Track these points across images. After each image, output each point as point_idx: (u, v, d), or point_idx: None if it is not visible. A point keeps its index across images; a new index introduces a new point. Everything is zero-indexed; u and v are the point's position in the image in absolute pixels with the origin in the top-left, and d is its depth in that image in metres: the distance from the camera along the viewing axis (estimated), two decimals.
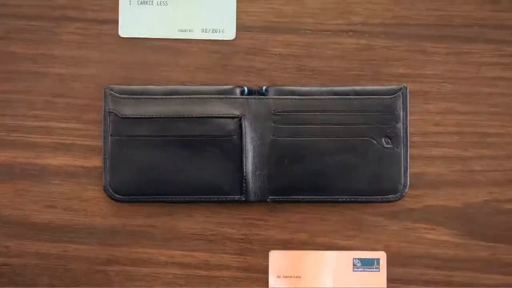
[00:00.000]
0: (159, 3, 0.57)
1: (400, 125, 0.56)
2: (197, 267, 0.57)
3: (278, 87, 0.56)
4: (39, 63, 0.58)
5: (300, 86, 0.57)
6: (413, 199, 0.57)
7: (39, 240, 0.58)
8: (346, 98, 0.56)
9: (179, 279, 0.57)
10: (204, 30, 0.57)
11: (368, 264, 0.56)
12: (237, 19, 0.58)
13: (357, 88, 0.56)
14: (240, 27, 0.58)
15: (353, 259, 0.56)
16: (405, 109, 0.56)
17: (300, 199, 0.56)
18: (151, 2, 0.57)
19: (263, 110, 0.56)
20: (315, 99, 0.56)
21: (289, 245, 0.57)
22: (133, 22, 0.57)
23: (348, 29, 0.58)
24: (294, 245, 0.57)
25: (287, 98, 0.56)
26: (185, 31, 0.57)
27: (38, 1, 0.58)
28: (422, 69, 0.58)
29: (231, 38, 0.58)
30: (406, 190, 0.56)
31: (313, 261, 0.56)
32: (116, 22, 0.58)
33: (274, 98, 0.56)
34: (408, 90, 0.56)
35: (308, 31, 0.58)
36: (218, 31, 0.57)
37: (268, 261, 0.57)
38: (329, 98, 0.56)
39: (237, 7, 0.58)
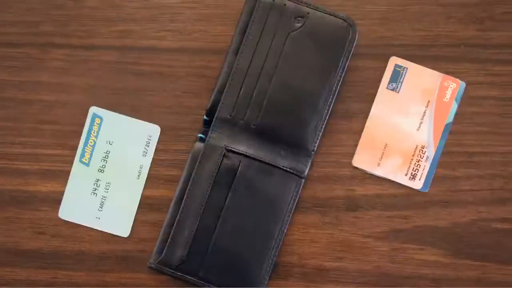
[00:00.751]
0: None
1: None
2: None
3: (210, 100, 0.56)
4: (25, 90, 0.58)
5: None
6: (402, 220, 0.57)
7: (29, 267, 0.58)
8: None
9: None
10: None
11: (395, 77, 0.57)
12: (221, 42, 0.58)
13: None
14: (225, 51, 0.58)
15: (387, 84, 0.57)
16: None
17: None
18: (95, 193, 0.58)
19: (227, 128, 0.56)
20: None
21: (279, 267, 0.57)
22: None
23: None
24: (284, 267, 0.57)
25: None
26: None
27: (23, 28, 0.58)
28: None
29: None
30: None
31: (372, 126, 0.58)
32: (101, 48, 0.58)
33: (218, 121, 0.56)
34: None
35: None
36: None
37: None
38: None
39: (221, 30, 0.58)
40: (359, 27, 0.57)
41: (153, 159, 0.58)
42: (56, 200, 0.58)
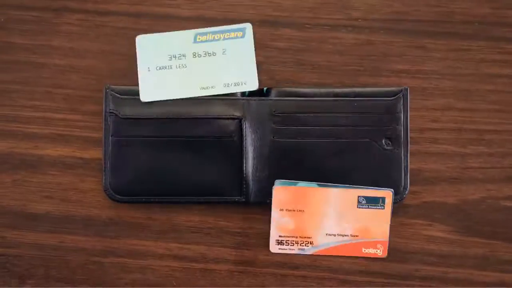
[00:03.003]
0: (178, 66, 0.56)
1: (400, 127, 0.56)
2: (193, 260, 0.57)
3: (279, 88, 0.56)
4: (38, 53, 0.58)
5: (301, 88, 0.56)
6: (410, 195, 0.57)
7: (36, 231, 0.58)
8: (346, 100, 0.56)
9: (175, 271, 0.57)
10: (227, 85, 0.56)
11: (373, 202, 0.56)
12: (235, 12, 0.58)
13: (358, 89, 0.56)
14: (239, 21, 0.58)
15: (358, 196, 0.56)
16: (405, 111, 0.56)
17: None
18: (169, 67, 0.56)
19: (264, 111, 0.56)
20: (316, 100, 0.56)
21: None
22: (153, 87, 0.56)
23: (347, 24, 0.58)
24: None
25: (288, 100, 0.56)
26: (207, 88, 0.56)
27: None
28: (421, 65, 0.58)
29: (254, 89, 0.57)
30: (407, 192, 0.56)
31: (318, 196, 0.56)
32: (116, 14, 0.58)
33: (275, 99, 0.56)
34: (408, 91, 0.56)
35: (307, 26, 0.58)
36: (240, 83, 0.57)
37: (270, 254, 0.57)
38: (329, 100, 0.56)
39: (236, 0, 0.58)
40: (373, 1, 0.58)
41: None
42: (65, 164, 0.58)
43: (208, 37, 0.57)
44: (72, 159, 0.58)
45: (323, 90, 0.56)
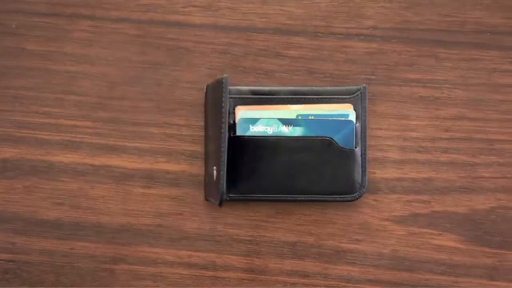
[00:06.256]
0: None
1: (358, 125, 0.56)
2: (203, 268, 0.57)
3: (238, 87, 0.57)
4: (50, 60, 0.58)
5: (260, 86, 0.57)
6: (421, 205, 0.57)
7: (46, 237, 0.58)
8: (305, 98, 0.56)
9: (185, 279, 0.57)
10: None
11: None
12: (248, 20, 0.58)
13: (316, 88, 0.56)
14: (251, 29, 0.58)
15: None
16: (363, 110, 0.56)
17: (257, 197, 0.56)
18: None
19: None
20: (275, 98, 0.56)
21: (296, 247, 0.57)
22: None
23: (359, 33, 0.58)
24: (301, 247, 0.57)
25: (247, 97, 0.56)
26: None
27: None
28: (433, 75, 0.58)
29: None
30: (364, 190, 0.56)
31: None
32: (128, 21, 0.58)
33: (235, 98, 0.56)
34: (367, 90, 0.56)
35: (320, 34, 0.58)
36: None
37: (274, 262, 0.57)
38: (288, 98, 0.56)
39: (249, 8, 0.58)
40: (386, 9, 0.58)
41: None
42: (76, 171, 0.58)
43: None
44: (82, 166, 0.58)
45: (282, 89, 0.57)
